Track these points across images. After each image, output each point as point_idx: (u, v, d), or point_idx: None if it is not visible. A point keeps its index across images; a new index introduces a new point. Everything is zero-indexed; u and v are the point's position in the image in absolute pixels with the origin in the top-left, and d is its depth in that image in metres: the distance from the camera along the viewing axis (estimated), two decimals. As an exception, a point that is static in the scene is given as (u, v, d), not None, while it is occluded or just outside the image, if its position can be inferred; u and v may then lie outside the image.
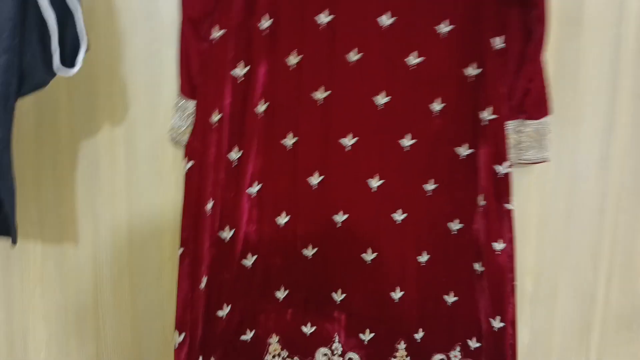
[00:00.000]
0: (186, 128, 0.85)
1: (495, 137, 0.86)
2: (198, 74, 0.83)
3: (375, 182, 0.88)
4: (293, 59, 0.84)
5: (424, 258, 0.90)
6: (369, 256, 0.89)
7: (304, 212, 0.89)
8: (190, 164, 0.84)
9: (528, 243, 0.98)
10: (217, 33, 0.82)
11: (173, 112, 0.86)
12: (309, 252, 0.89)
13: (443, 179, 0.89)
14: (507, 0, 0.82)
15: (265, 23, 0.82)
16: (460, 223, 0.90)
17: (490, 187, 0.87)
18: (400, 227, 0.89)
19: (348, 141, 0.86)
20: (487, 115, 0.85)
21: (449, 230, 0.90)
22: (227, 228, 0.87)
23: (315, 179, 0.88)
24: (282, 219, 0.89)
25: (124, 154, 0.92)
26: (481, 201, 0.88)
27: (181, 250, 0.85)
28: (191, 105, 0.85)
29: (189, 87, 0.84)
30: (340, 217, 0.88)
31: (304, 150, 0.87)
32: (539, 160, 0.90)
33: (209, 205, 0.85)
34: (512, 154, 0.88)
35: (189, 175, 0.84)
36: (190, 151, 0.84)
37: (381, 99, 0.86)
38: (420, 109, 0.87)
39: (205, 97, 0.83)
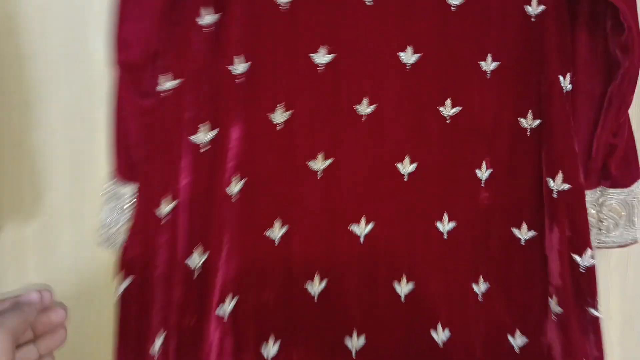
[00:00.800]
0: (122, 225, 0.57)
1: (572, 215, 0.60)
2: (138, 144, 0.56)
3: (405, 288, 0.61)
4: (280, 116, 0.59)
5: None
6: None
7: (305, 336, 0.61)
8: (127, 281, 0.56)
9: (611, 350, 0.71)
10: (168, 83, 0.56)
11: (103, 203, 0.59)
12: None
13: (496, 275, 0.62)
14: (577, 23, 0.59)
15: (240, 67, 0.57)
16: (523, 336, 0.63)
17: (566, 286, 0.61)
18: (443, 350, 0.62)
19: (362, 229, 0.60)
20: (557, 183, 0.60)
21: (509, 347, 0.63)
22: (187, 374, 0.58)
23: (317, 286, 0.60)
24: (271, 348, 0.60)
25: (34, 265, 0.63)
26: (555, 306, 0.61)
27: None
28: (129, 191, 0.57)
29: (125, 164, 0.57)
30: (356, 342, 0.61)
31: (301, 244, 0.60)
32: (626, 243, 0.64)
33: (158, 343, 0.56)
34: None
35: (125, 298, 0.56)
36: (126, 261, 0.56)
37: (405, 168, 0.60)
38: (461, 177, 0.61)
39: (151, 178, 0.56)
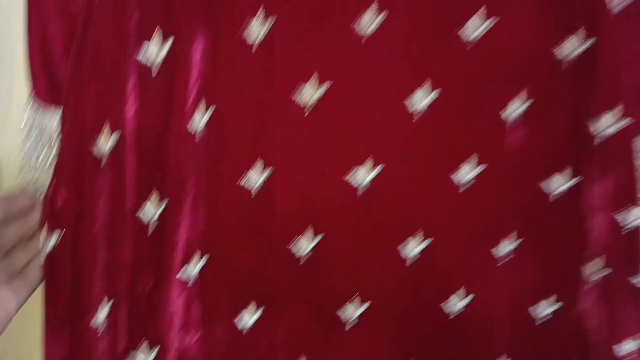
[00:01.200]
0: (48, 164, 0.44)
1: (617, 165, 0.48)
2: (65, 59, 0.42)
3: (413, 250, 0.49)
4: (256, 28, 0.44)
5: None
6: None
7: (289, 306, 0.50)
8: (54, 237, 0.43)
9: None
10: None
11: (23, 135, 0.45)
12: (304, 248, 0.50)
13: (522, 236, 0.51)
14: None
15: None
16: (550, 305, 0.52)
17: (610, 249, 0.50)
18: (457, 320, 0.51)
19: (362, 178, 0.48)
20: (603, 125, 0.47)
21: (533, 317, 0.53)
22: (142, 347, 0.47)
23: (303, 247, 0.48)
24: (248, 318, 0.49)
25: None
26: (592, 272, 0.51)
27: None
28: (55, 120, 0.44)
29: (47, 85, 0.43)
30: (351, 313, 0.50)
31: (285, 194, 0.48)
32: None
33: (101, 314, 0.45)
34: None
35: (54, 258, 0.43)
36: (52, 211, 0.43)
37: (417, 103, 0.47)
38: (484, 121, 0.48)
39: (84, 105, 0.43)
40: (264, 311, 0.49)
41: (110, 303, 0.45)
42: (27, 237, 0.43)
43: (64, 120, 0.42)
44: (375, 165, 0.47)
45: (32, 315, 0.45)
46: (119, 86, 0.43)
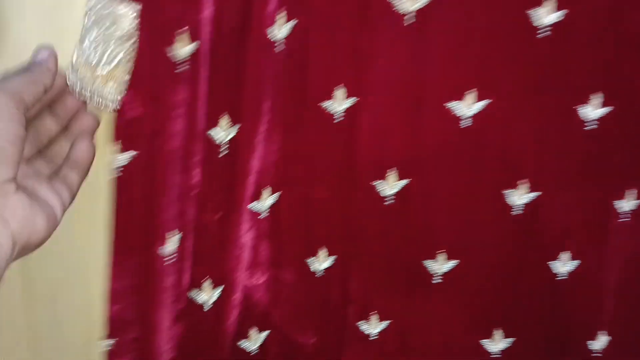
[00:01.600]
0: (118, 66, 0.39)
1: None
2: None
3: (523, 197, 0.42)
4: None
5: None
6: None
7: (369, 251, 0.44)
8: (126, 156, 0.39)
9: None
10: None
11: (85, 28, 0.37)
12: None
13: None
14: None
15: None
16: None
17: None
18: (559, 286, 0.44)
19: (465, 111, 0.41)
20: None
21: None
22: (206, 283, 0.43)
23: (391, 185, 0.42)
24: (322, 261, 0.44)
25: None
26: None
27: (109, 343, 0.42)
28: (130, 10, 0.37)
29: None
30: (441, 266, 0.44)
31: (374, 124, 0.41)
32: None
33: (171, 242, 0.41)
34: None
35: (126, 180, 0.39)
36: (126, 125, 0.38)
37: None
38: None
39: (163, 4, 0.37)
40: (338, 257, 0.44)
41: (180, 232, 0.41)
42: (66, 132, 0.37)
43: (142, 18, 0.37)
44: (480, 97, 0.41)
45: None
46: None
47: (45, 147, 0.36)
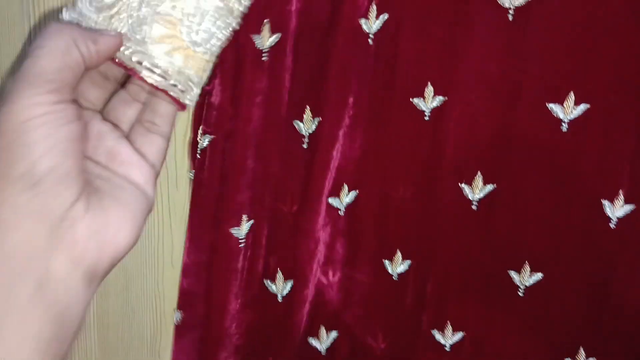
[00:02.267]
0: (215, 45, 0.36)
1: None
2: None
3: (620, 210, 0.39)
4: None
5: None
6: None
7: (449, 257, 0.42)
8: (207, 138, 0.39)
9: None
10: None
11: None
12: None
13: None
14: None
15: None
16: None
17: None
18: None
19: (565, 112, 0.38)
20: None
21: None
22: (279, 275, 0.42)
23: (479, 188, 0.40)
24: (398, 264, 0.43)
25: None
26: None
27: (179, 316, 0.42)
28: None
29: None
30: (528, 277, 0.41)
31: (464, 123, 0.39)
32: None
33: (243, 228, 0.40)
34: None
35: (204, 161, 0.39)
36: (208, 111, 0.38)
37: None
38: None
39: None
40: (415, 261, 0.42)
41: (252, 219, 0.40)
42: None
43: None
44: (579, 100, 0.38)
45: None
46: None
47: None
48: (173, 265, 0.45)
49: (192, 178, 0.41)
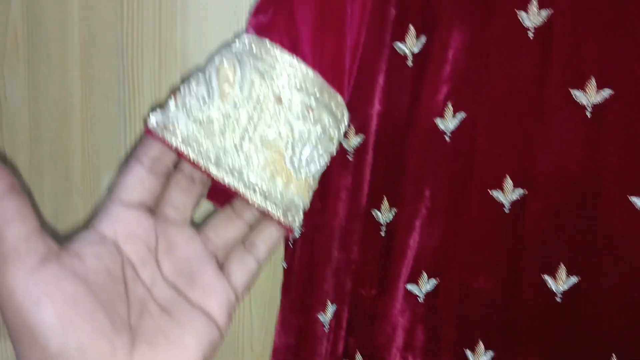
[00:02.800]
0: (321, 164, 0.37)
1: None
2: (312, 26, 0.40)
3: None
4: (530, 16, 0.39)
5: None
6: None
7: (535, 351, 0.41)
8: (297, 230, 0.44)
9: None
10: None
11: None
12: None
13: None
14: None
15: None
16: None
17: None
18: None
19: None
20: None
21: None
22: (358, 357, 0.43)
23: (564, 280, 0.40)
24: (481, 355, 0.42)
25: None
26: None
27: None
28: (346, 114, 0.39)
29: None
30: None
31: (543, 216, 0.40)
32: None
33: (328, 314, 0.43)
34: None
35: (294, 251, 0.43)
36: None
37: None
38: None
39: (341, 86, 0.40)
40: (498, 352, 0.41)
41: (335, 304, 0.42)
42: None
43: None
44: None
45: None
46: (372, 81, 0.40)
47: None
48: (253, 349, 0.47)
49: (285, 267, 0.44)
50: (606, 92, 0.38)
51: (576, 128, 0.38)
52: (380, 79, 0.41)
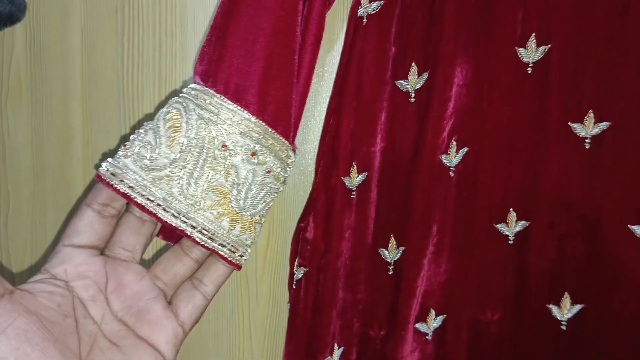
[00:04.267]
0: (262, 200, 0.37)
1: None
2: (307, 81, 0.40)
3: None
4: (529, 52, 0.39)
5: None
6: None
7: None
8: (300, 272, 0.42)
9: None
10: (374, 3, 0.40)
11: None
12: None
13: None
14: None
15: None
16: None
17: None
18: None
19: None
20: None
21: None
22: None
23: (567, 309, 0.40)
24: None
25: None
26: None
27: None
28: (292, 159, 0.39)
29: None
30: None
31: (545, 248, 0.40)
32: None
33: (335, 357, 0.42)
34: None
35: (297, 293, 0.42)
36: (303, 246, 0.41)
37: None
38: None
39: (339, 136, 0.41)
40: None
41: (343, 346, 0.42)
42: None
43: (320, 151, 0.41)
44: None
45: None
46: (373, 118, 0.40)
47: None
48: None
49: (289, 308, 0.43)
50: (604, 124, 0.38)
51: (576, 160, 0.39)
52: (383, 116, 0.41)
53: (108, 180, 0.32)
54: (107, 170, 0.33)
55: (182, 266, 0.34)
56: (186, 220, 0.32)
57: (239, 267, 0.34)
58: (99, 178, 0.33)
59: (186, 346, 0.47)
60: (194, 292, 0.33)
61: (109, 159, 0.33)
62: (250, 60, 0.35)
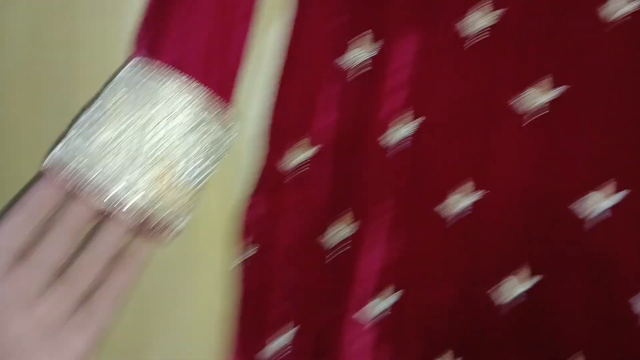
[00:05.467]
0: (206, 171, 0.37)
1: None
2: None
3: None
4: (478, 21, 0.38)
5: None
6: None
7: (493, 355, 0.41)
8: (251, 251, 0.40)
9: None
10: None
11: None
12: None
13: None
14: None
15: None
16: None
17: None
18: None
19: (597, 209, 0.38)
20: None
21: None
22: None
23: (509, 291, 0.39)
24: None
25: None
26: None
27: None
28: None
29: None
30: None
31: (495, 225, 0.39)
32: None
33: (282, 339, 0.41)
34: None
35: (246, 273, 0.41)
36: (251, 222, 0.40)
37: None
38: None
39: (285, 112, 0.40)
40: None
41: (295, 330, 0.41)
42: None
43: (270, 124, 0.40)
44: (617, 191, 0.37)
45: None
46: (314, 95, 0.39)
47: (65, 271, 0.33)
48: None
49: (239, 287, 0.42)
50: (558, 90, 0.37)
51: (527, 131, 0.38)
52: (335, 88, 0.40)
53: (54, 166, 0.32)
54: (54, 157, 0.32)
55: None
56: (129, 191, 0.32)
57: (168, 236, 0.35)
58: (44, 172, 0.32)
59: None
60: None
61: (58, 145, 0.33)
62: (194, 30, 0.36)
